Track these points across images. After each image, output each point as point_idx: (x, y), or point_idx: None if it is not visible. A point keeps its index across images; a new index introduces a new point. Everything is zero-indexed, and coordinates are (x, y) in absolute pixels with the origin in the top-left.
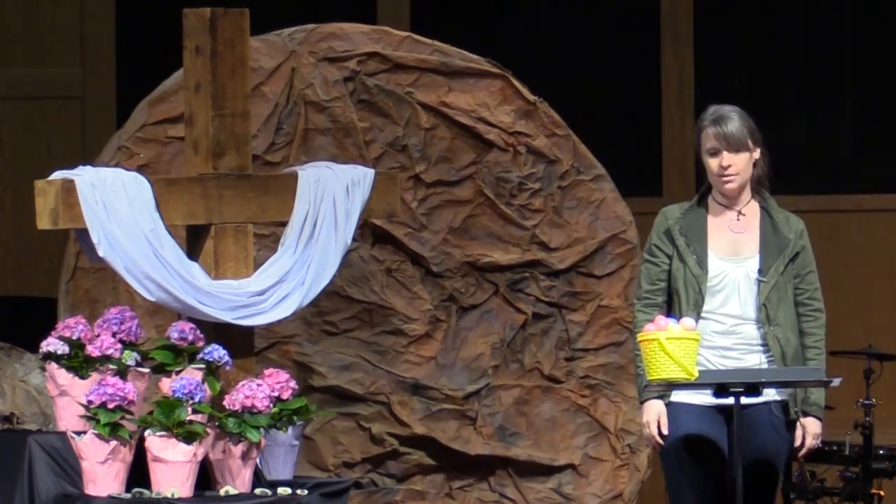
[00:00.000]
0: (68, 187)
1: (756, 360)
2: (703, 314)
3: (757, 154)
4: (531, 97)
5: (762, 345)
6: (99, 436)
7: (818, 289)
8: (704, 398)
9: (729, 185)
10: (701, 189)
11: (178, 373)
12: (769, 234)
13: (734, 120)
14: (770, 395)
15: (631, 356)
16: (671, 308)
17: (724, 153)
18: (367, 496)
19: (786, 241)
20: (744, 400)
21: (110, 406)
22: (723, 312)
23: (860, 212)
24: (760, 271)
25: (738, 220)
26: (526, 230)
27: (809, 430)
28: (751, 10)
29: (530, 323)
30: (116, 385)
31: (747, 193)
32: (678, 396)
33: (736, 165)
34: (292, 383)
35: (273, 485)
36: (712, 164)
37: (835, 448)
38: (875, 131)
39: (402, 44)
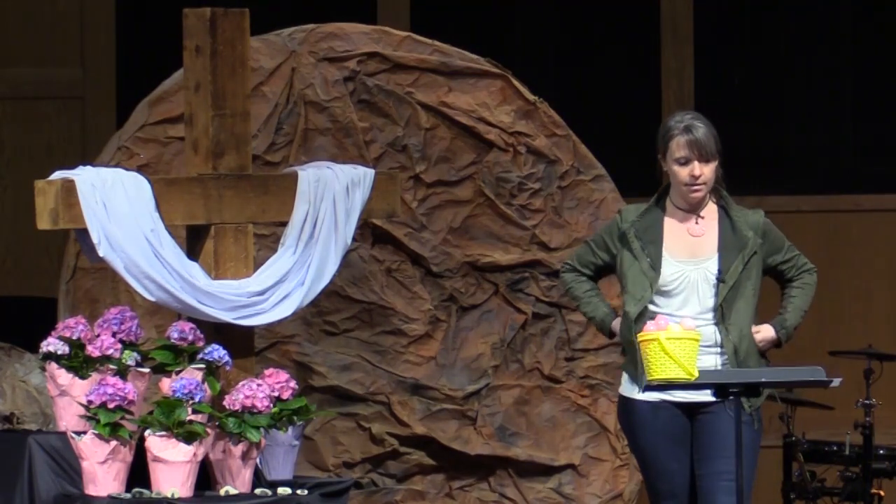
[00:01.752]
0: (68, 187)
1: (713, 361)
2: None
3: (717, 161)
4: (531, 97)
5: (718, 345)
6: (99, 436)
7: (799, 254)
8: (659, 395)
9: (697, 195)
10: (658, 191)
11: (178, 373)
12: (727, 234)
13: (702, 128)
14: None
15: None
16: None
17: (696, 163)
18: (367, 496)
19: (745, 239)
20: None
21: (110, 406)
22: (682, 314)
23: (860, 212)
24: (720, 271)
25: (696, 223)
26: (526, 230)
27: (763, 334)
28: (751, 10)
29: (530, 323)
30: (116, 385)
31: (706, 198)
32: (632, 393)
33: (706, 175)
34: (292, 383)
35: (273, 485)
36: (681, 172)
37: (835, 448)
38: (875, 131)
39: (402, 44)
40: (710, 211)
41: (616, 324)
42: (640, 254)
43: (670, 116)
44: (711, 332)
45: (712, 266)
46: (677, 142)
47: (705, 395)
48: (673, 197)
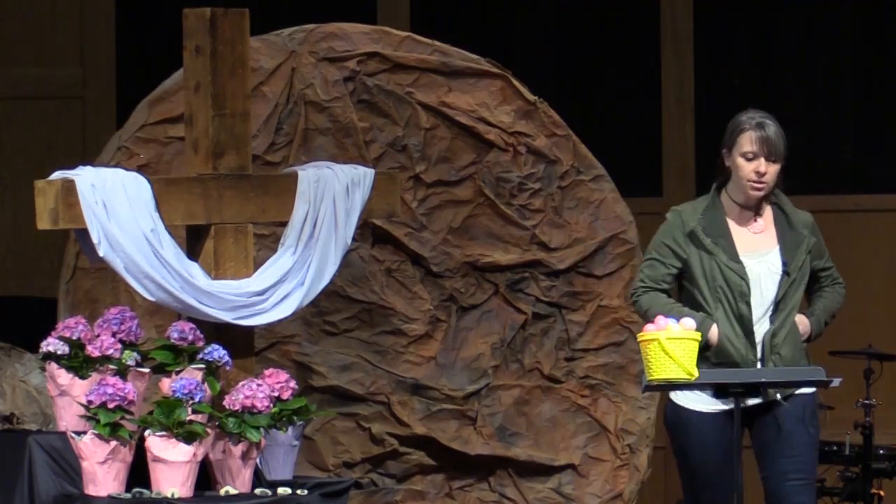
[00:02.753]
0: (68, 187)
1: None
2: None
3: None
4: (531, 97)
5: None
6: (99, 436)
7: (834, 266)
8: (715, 404)
9: (756, 194)
10: (713, 186)
11: (178, 373)
12: (785, 230)
13: (773, 128)
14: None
15: (634, 356)
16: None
17: (762, 160)
18: (367, 496)
19: (801, 236)
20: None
21: (110, 406)
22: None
23: (860, 212)
24: (785, 263)
25: (755, 220)
26: (526, 230)
27: (800, 322)
28: (751, 9)
29: (530, 323)
30: (116, 385)
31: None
32: (688, 402)
33: (770, 174)
34: (292, 383)
35: (273, 485)
36: (747, 167)
37: (835, 448)
38: (875, 132)
39: (402, 44)
40: (766, 209)
41: (714, 331)
42: (714, 249)
43: (742, 112)
44: (766, 325)
45: (774, 259)
46: (748, 136)
47: (757, 398)
48: (731, 192)
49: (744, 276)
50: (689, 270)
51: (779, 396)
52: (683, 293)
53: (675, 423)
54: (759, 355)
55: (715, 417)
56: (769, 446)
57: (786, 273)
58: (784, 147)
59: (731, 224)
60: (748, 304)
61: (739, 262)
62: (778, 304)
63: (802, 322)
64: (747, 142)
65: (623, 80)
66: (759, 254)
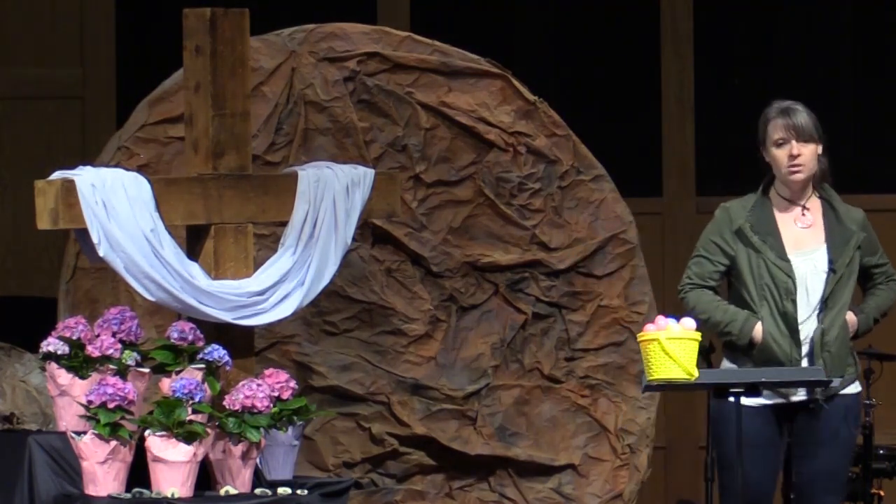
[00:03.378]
0: (68, 187)
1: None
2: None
3: (820, 149)
4: (531, 97)
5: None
6: (99, 436)
7: (890, 264)
8: (756, 399)
9: (797, 176)
10: (762, 184)
11: (178, 373)
12: (834, 226)
13: (802, 112)
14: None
15: (634, 356)
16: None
17: (794, 143)
18: (367, 496)
19: (850, 232)
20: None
21: (110, 406)
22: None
23: None
24: (831, 261)
25: (803, 215)
26: (526, 230)
27: (849, 319)
28: (751, 9)
29: (530, 323)
30: (116, 385)
31: (810, 188)
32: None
33: (804, 155)
34: (292, 383)
35: (273, 485)
36: (780, 154)
37: None
38: (875, 131)
39: (402, 44)
40: (815, 204)
41: (758, 330)
42: (762, 247)
43: (768, 106)
44: (813, 324)
45: (821, 257)
46: (774, 124)
47: (801, 395)
48: (777, 187)
49: (790, 275)
50: (737, 268)
51: (819, 396)
52: (731, 291)
53: (713, 413)
54: (805, 353)
55: (756, 412)
56: (805, 445)
57: (832, 271)
58: (815, 128)
59: (779, 220)
60: (794, 302)
61: (787, 261)
62: (826, 302)
63: (851, 319)
64: (775, 130)
65: (623, 80)
66: (807, 252)
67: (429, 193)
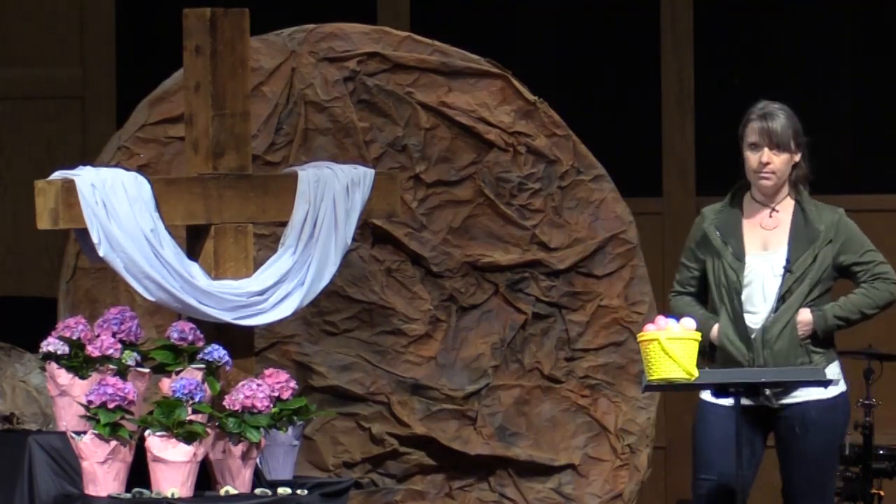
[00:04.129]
0: (68, 187)
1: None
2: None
3: (797, 157)
4: (531, 97)
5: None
6: (99, 436)
7: (882, 262)
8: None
9: (764, 183)
10: (735, 185)
11: (178, 373)
12: (799, 226)
13: (781, 118)
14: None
15: (634, 356)
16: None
17: (766, 150)
18: (367, 496)
19: (815, 232)
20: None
21: (110, 406)
22: (745, 308)
23: (860, 212)
24: (788, 261)
25: (770, 216)
26: (526, 230)
27: (800, 316)
28: (751, 9)
29: (530, 323)
30: (116, 385)
31: (783, 192)
32: (707, 396)
33: (774, 164)
34: (292, 383)
35: (273, 485)
36: (752, 158)
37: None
38: (875, 131)
39: (402, 44)
40: (786, 205)
41: (714, 331)
42: (723, 248)
43: (755, 103)
44: (771, 322)
45: (779, 258)
46: (751, 127)
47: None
48: (751, 190)
49: (739, 274)
50: (705, 271)
51: (773, 401)
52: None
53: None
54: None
55: (727, 412)
56: (781, 449)
57: (789, 271)
58: (792, 136)
59: (746, 222)
60: (742, 302)
61: (741, 261)
62: (782, 301)
63: (803, 318)
64: (751, 133)
65: (623, 80)
66: (767, 252)
67: (429, 193)
